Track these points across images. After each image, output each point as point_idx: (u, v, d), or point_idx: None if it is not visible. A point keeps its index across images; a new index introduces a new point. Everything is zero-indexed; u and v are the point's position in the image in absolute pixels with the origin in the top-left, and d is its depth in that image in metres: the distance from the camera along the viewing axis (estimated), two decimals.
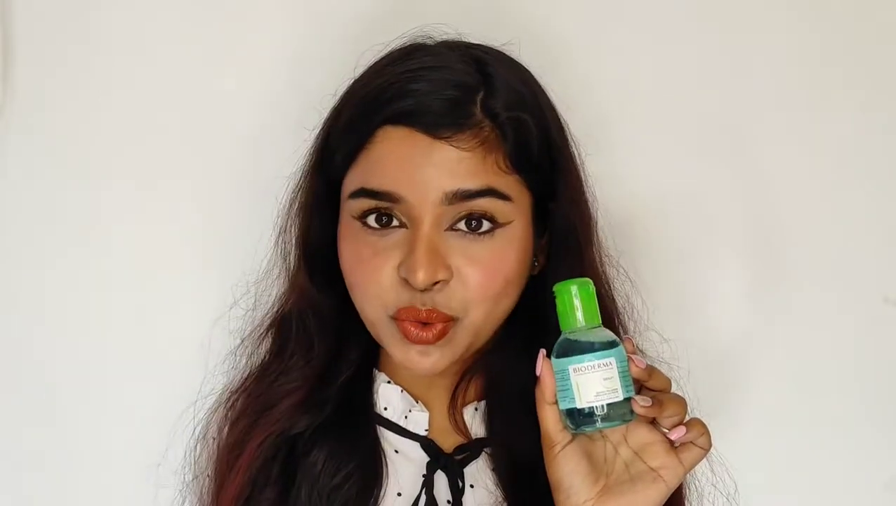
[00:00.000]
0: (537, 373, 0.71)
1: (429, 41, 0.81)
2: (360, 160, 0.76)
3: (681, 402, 0.71)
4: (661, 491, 0.71)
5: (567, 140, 0.82)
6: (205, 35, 0.98)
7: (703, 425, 0.71)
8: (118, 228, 0.98)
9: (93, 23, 0.97)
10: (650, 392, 0.71)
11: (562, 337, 0.72)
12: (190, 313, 0.97)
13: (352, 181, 0.77)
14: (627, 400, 0.70)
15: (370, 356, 0.84)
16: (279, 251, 0.87)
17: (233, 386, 0.87)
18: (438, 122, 0.73)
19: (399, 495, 0.79)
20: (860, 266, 1.04)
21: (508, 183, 0.75)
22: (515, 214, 0.75)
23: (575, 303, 0.71)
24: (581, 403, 0.69)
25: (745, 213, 1.04)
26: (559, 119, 0.82)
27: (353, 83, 0.80)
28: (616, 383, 0.69)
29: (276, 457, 0.79)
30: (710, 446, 0.71)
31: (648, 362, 0.72)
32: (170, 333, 0.98)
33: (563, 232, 0.80)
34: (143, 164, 0.98)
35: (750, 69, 1.04)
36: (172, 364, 0.96)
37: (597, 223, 0.85)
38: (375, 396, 0.83)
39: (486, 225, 0.74)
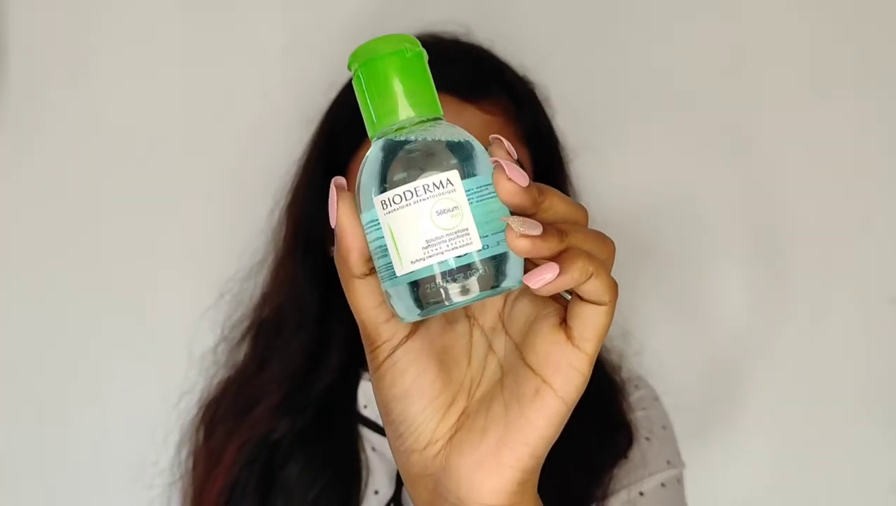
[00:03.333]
0: (331, 221, 0.42)
1: (432, 40, 0.83)
2: None
3: (598, 238, 0.40)
4: (552, 410, 0.40)
5: (558, 133, 0.85)
6: (201, 33, 0.99)
7: (593, 253, 0.39)
8: (109, 226, 0.98)
9: (88, 21, 0.98)
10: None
11: (371, 148, 0.42)
12: (180, 310, 0.96)
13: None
14: (496, 254, 0.40)
15: (356, 357, 0.82)
16: (270, 242, 0.87)
17: (213, 387, 0.87)
18: (466, 85, 0.74)
19: (376, 492, 0.78)
20: (865, 267, 1.03)
21: (523, 154, 0.77)
22: None
23: (388, 79, 0.41)
24: (401, 265, 0.39)
25: (747, 214, 1.03)
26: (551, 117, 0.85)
27: None
28: (464, 218, 0.39)
29: (256, 463, 0.78)
30: (613, 294, 0.39)
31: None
32: (159, 331, 0.97)
33: None
34: (135, 162, 0.97)
35: (750, 68, 1.03)
36: (161, 362, 0.96)
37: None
38: (358, 393, 0.82)
39: None
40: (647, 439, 0.78)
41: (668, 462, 0.78)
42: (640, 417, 0.80)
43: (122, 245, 0.98)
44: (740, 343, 1.03)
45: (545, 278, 0.38)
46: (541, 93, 0.84)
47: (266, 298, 0.86)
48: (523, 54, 0.84)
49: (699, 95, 1.02)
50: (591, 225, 0.87)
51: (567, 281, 0.38)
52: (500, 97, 0.77)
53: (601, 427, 0.75)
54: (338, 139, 0.80)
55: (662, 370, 0.92)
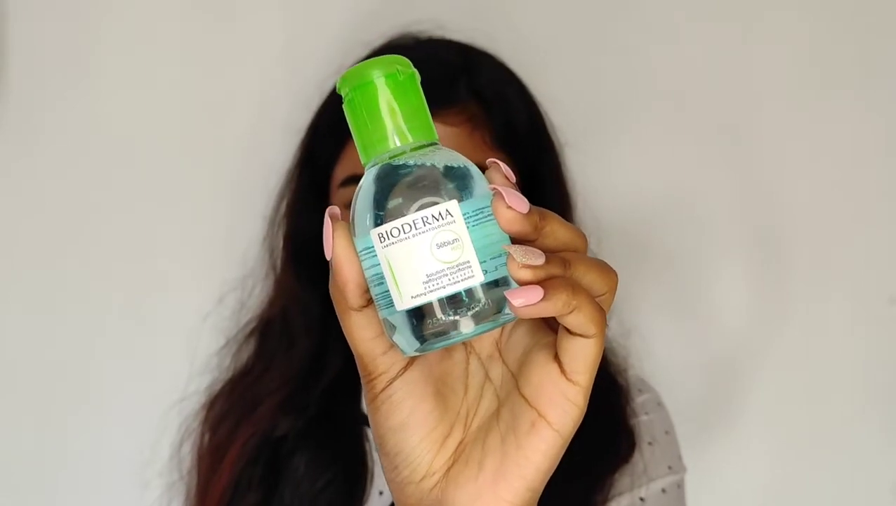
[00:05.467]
0: (326, 253, 0.41)
1: (411, 41, 0.83)
2: (348, 150, 0.76)
3: (601, 269, 0.39)
4: (548, 444, 0.40)
5: (548, 126, 0.82)
6: (201, 35, 0.99)
7: (595, 284, 0.39)
8: (109, 227, 0.98)
9: (88, 22, 0.97)
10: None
11: (364, 176, 0.41)
12: (180, 311, 0.96)
13: (342, 171, 0.77)
14: (496, 280, 0.39)
15: None
16: (267, 249, 0.87)
17: (216, 387, 0.87)
18: (427, 98, 0.72)
19: (381, 493, 0.78)
20: (865, 267, 1.03)
21: (499, 160, 0.74)
22: None
23: (381, 104, 0.40)
24: (401, 300, 0.39)
25: (746, 214, 1.03)
26: (540, 107, 0.82)
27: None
28: (465, 250, 0.38)
29: (259, 459, 0.78)
30: (600, 326, 0.38)
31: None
32: (159, 331, 0.97)
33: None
34: (136, 163, 0.98)
35: (751, 67, 1.02)
36: (161, 362, 0.96)
37: (575, 206, 0.84)
38: (362, 396, 0.82)
39: None
40: (650, 443, 0.78)
41: (670, 467, 0.78)
42: (642, 421, 0.80)
43: (122, 246, 0.98)
44: (739, 343, 1.03)
45: (528, 300, 0.36)
46: (523, 86, 0.81)
47: (270, 302, 0.86)
48: (520, 52, 0.84)
49: (698, 94, 1.02)
50: (592, 225, 0.87)
51: (548, 309, 0.37)
52: (466, 104, 0.75)
53: (603, 431, 0.75)
54: (319, 146, 0.80)
55: (661, 370, 0.92)
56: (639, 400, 0.82)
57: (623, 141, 1.01)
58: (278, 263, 0.86)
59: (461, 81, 0.76)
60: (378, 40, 0.83)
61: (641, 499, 0.75)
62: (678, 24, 1.02)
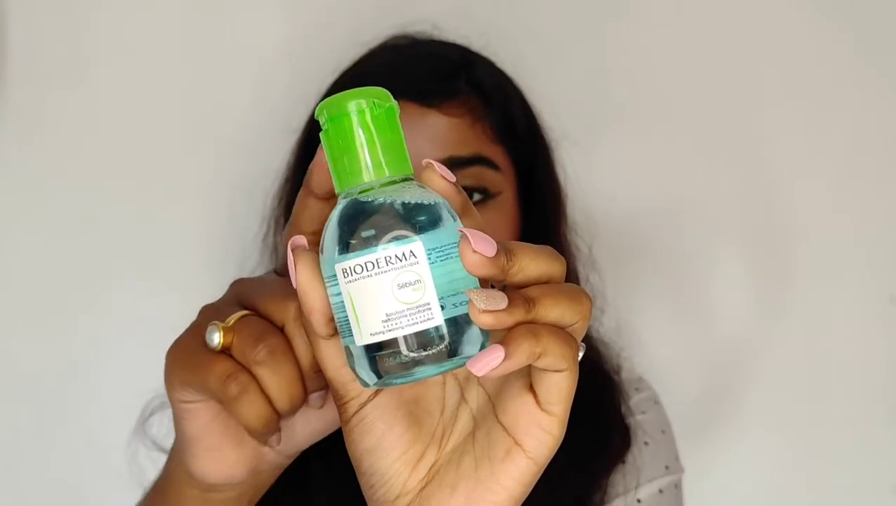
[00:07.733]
0: (292, 282, 0.41)
1: (409, 40, 0.83)
2: None
3: (571, 298, 0.38)
4: (522, 472, 0.40)
5: (541, 124, 0.83)
6: (201, 33, 0.99)
7: (564, 317, 0.38)
8: (108, 228, 0.97)
9: (87, 21, 0.97)
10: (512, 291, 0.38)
11: (336, 206, 0.41)
12: (180, 312, 0.95)
13: None
14: (457, 317, 0.39)
15: None
16: (266, 251, 0.87)
17: None
18: (427, 90, 0.73)
19: None
20: (865, 266, 1.03)
21: (496, 153, 0.75)
22: (504, 185, 0.75)
23: (353, 137, 0.40)
24: (360, 336, 0.39)
25: (747, 213, 1.03)
26: (533, 107, 0.83)
27: (338, 78, 0.81)
28: (426, 292, 0.38)
29: None
30: (571, 360, 0.38)
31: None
32: (159, 331, 0.97)
33: (539, 207, 0.80)
34: (134, 164, 0.97)
35: (752, 65, 1.02)
36: (158, 364, 0.96)
37: (567, 198, 0.85)
38: None
39: (476, 196, 0.74)
40: (646, 443, 0.78)
41: (667, 467, 0.78)
42: (639, 420, 0.79)
43: (120, 247, 0.97)
44: (739, 343, 1.04)
45: (491, 364, 0.36)
46: (519, 85, 0.82)
47: None
48: (519, 51, 0.84)
49: (698, 94, 1.02)
50: (591, 224, 0.87)
51: (514, 365, 0.36)
52: (466, 97, 0.75)
53: (598, 430, 0.75)
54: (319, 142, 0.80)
55: (660, 370, 0.92)
56: (635, 399, 0.81)
57: (622, 140, 1.01)
58: (277, 263, 0.86)
59: (461, 75, 0.77)
60: (376, 40, 0.83)
61: (638, 501, 0.75)
62: (678, 24, 1.02)
